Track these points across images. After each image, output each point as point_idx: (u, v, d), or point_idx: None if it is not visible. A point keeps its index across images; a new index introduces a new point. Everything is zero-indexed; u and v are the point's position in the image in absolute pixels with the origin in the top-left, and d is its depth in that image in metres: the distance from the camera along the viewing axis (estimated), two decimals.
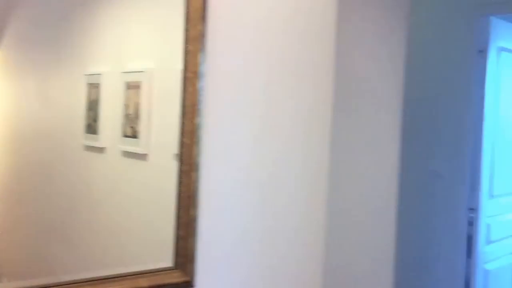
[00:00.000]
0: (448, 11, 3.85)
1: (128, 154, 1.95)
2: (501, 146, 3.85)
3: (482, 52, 3.69)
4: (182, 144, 1.93)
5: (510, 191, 4.03)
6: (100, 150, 1.89)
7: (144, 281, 1.78)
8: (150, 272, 1.83)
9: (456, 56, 3.80)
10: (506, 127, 3.89)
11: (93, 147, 1.87)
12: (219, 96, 2.04)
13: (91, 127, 1.86)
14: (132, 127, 1.94)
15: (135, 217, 1.94)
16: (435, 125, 3.90)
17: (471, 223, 3.78)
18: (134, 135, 1.94)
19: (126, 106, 1.93)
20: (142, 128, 1.95)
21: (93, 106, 1.86)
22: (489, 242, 3.82)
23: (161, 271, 1.86)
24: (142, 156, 1.97)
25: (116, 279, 1.73)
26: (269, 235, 2.22)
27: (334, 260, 2.57)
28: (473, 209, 3.76)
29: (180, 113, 1.94)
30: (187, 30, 1.91)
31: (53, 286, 1.65)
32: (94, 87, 1.86)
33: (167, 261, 1.91)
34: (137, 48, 1.96)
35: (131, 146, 1.94)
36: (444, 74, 3.86)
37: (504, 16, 3.79)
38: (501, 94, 3.80)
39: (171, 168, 1.96)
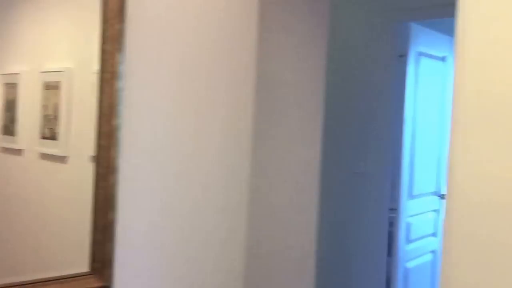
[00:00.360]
0: (369, 16, 3.94)
1: (46, 157, 1.90)
2: (420, 148, 3.97)
3: (403, 57, 3.79)
4: (99, 146, 1.89)
5: (429, 191, 4.16)
6: (17, 152, 1.83)
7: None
8: (64, 278, 1.78)
9: (377, 60, 3.89)
10: (424, 129, 4.01)
11: (9, 149, 1.81)
12: (139, 97, 2.01)
13: (8, 129, 1.80)
14: (51, 128, 1.89)
15: (51, 222, 1.89)
16: (357, 127, 3.98)
17: (392, 223, 3.88)
18: (53, 137, 1.89)
19: (45, 107, 1.88)
20: (61, 129, 1.90)
21: (10, 107, 1.80)
22: (409, 241, 3.93)
23: (76, 276, 1.82)
24: (61, 159, 1.92)
25: (27, 285, 1.68)
26: (189, 237, 2.21)
27: (256, 259, 2.58)
28: (394, 209, 3.86)
29: (97, 115, 1.90)
30: (104, 30, 1.88)
31: None
32: (11, 87, 1.80)
33: (83, 266, 1.87)
34: (56, 48, 1.92)
35: (49, 148, 1.89)
36: (366, 77, 3.94)
37: (423, 22, 3.92)
38: (420, 98, 3.92)
39: (90, 171, 1.93)
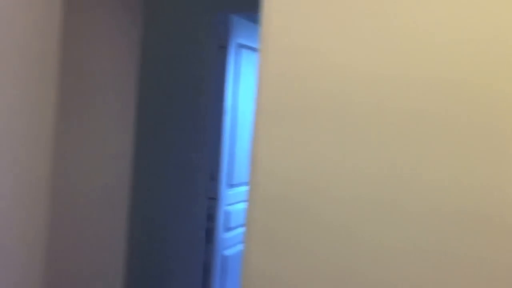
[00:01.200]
0: (190, 7, 3.93)
1: None
2: (240, 138, 4.05)
3: (223, 48, 3.83)
4: None
5: (247, 180, 4.26)
6: None
7: None
8: None
9: (198, 52, 3.90)
10: (245, 119, 4.10)
11: None
12: None
13: None
14: None
15: None
16: (177, 118, 3.97)
17: (211, 212, 3.92)
18: None
19: None
20: None
21: None
22: (227, 229, 4.01)
23: None
24: None
25: None
26: None
27: (58, 260, 2.48)
28: (213, 198, 3.90)
29: None
30: None
31: None
32: None
33: None
34: None
35: None
36: (186, 69, 3.94)
37: (243, 14, 3.99)
38: (240, 89, 3.99)
39: None
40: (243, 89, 4.04)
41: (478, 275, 1.63)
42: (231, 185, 4.02)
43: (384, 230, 1.74)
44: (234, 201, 4.09)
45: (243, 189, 4.21)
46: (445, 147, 1.67)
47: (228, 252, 4.04)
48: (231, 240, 4.08)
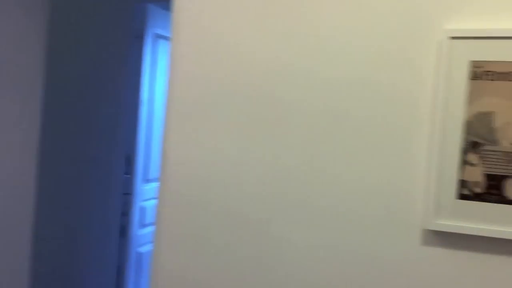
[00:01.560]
0: None
1: None
2: (156, 131, 3.95)
3: (139, 38, 3.72)
4: None
5: None
6: None
7: None
8: None
9: (113, 42, 3.76)
10: (160, 112, 4.00)
11: None
12: None
13: None
14: None
15: None
16: (90, 110, 3.83)
17: (126, 208, 3.82)
18: None
19: None
20: None
21: None
22: (142, 225, 3.90)
23: None
24: None
25: None
26: None
27: None
28: (128, 193, 3.80)
29: None
30: None
31: None
32: None
33: None
34: None
35: None
36: (100, 59, 3.79)
37: (160, 4, 3.89)
38: (157, 81, 3.89)
39: None
40: (160, 81, 3.94)
41: (382, 271, 1.62)
42: (147, 180, 3.92)
43: (294, 226, 1.71)
44: (150, 197, 3.99)
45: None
46: (354, 145, 1.65)
47: (143, 249, 3.94)
48: (147, 237, 3.98)
